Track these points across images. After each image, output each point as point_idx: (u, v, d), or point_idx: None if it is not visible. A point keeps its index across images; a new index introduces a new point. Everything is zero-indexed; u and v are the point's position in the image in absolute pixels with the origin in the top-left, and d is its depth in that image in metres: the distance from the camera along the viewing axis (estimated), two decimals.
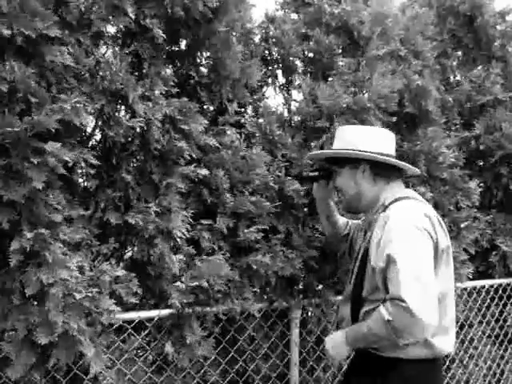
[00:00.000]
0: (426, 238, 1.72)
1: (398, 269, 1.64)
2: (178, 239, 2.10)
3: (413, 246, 1.69)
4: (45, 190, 1.75)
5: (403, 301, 1.59)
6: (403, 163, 1.97)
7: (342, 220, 2.34)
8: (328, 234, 2.39)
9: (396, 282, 1.63)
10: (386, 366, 1.79)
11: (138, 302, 2.02)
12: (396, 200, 1.87)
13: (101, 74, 1.89)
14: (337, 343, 1.88)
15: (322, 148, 2.47)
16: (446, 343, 1.82)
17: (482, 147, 3.56)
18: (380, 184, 1.96)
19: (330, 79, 2.66)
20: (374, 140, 1.97)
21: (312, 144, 2.52)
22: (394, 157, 2.00)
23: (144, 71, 2.06)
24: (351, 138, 1.98)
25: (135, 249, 2.09)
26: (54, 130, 1.72)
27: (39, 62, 1.75)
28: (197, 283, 2.09)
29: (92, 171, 1.92)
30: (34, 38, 1.69)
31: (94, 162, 1.89)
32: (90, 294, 1.81)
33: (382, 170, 1.95)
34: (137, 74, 2.05)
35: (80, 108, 1.78)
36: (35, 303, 1.81)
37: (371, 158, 1.92)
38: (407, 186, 2.68)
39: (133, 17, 1.93)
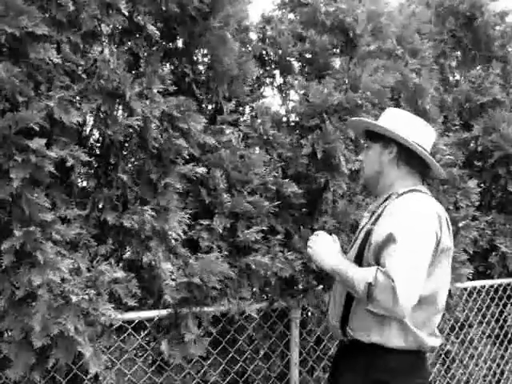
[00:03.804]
0: (431, 233, 1.74)
1: (397, 250, 1.66)
2: (173, 241, 2.10)
3: (416, 234, 1.70)
4: (32, 189, 1.76)
5: (393, 280, 1.61)
6: (430, 158, 1.93)
7: None
8: None
9: (393, 261, 1.65)
10: (370, 356, 1.81)
11: (137, 304, 2.02)
12: (410, 191, 1.87)
13: (98, 72, 1.89)
14: (328, 255, 1.90)
15: (313, 146, 2.48)
16: (432, 339, 1.84)
17: (480, 148, 3.56)
18: (401, 171, 1.94)
19: (326, 78, 2.66)
20: (414, 128, 1.94)
21: (302, 142, 2.52)
22: (428, 152, 1.95)
23: (141, 69, 2.06)
24: (394, 120, 1.96)
25: (131, 249, 2.09)
26: (41, 128, 1.72)
27: (26, 60, 1.75)
28: (187, 279, 2.09)
29: (85, 169, 1.91)
30: (19, 36, 1.68)
31: (85, 158, 1.88)
32: (86, 297, 1.81)
33: (408, 157, 1.92)
34: (133, 72, 2.05)
35: (69, 106, 1.78)
36: (32, 304, 1.81)
37: (401, 140, 1.90)
38: None
39: (126, 14, 1.93)
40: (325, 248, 1.93)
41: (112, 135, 1.95)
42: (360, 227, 2.04)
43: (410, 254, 1.66)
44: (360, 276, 1.73)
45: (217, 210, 2.29)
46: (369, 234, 1.86)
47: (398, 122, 1.95)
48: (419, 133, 1.95)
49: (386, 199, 1.93)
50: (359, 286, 1.71)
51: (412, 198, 1.83)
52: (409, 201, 1.81)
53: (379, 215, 1.87)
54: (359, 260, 1.86)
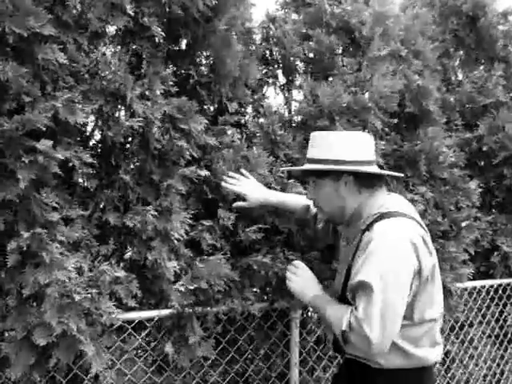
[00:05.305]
0: (405, 267, 1.66)
1: (369, 297, 1.62)
2: (176, 241, 2.09)
3: (388, 276, 1.63)
4: (38, 189, 1.76)
5: (364, 330, 1.59)
6: (386, 172, 1.87)
7: (297, 204, 2.26)
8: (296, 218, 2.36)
9: (364, 308, 1.62)
10: (373, 373, 1.78)
11: (137, 305, 2.02)
12: (381, 217, 1.74)
13: (99, 73, 1.88)
14: (306, 290, 1.89)
15: None
16: (433, 354, 1.81)
17: (484, 148, 3.55)
18: (364, 194, 1.85)
19: (330, 79, 2.66)
20: (354, 147, 1.83)
21: None
22: (375, 162, 1.89)
23: (143, 71, 2.05)
24: (329, 147, 1.84)
25: (133, 250, 2.08)
26: (46, 129, 1.71)
27: (32, 60, 1.74)
28: (196, 285, 2.09)
29: (88, 170, 1.91)
30: (26, 36, 1.68)
31: (89, 160, 1.87)
32: (88, 296, 1.81)
33: (365, 179, 1.83)
34: (136, 73, 2.04)
35: (75, 106, 1.77)
36: (34, 304, 1.81)
37: (355, 170, 1.80)
38: (406, 186, 2.66)
39: (132, 14, 1.92)
40: (304, 282, 1.91)
41: (113, 136, 1.94)
42: (341, 257, 1.99)
43: (381, 300, 1.61)
44: (336, 318, 1.71)
45: (220, 204, 2.29)
46: (349, 269, 1.80)
47: (335, 147, 1.82)
48: (360, 149, 1.84)
49: (359, 227, 1.82)
50: (335, 329, 1.71)
51: (383, 231, 1.70)
52: (380, 236, 1.69)
53: (356, 248, 1.78)
54: (344, 296, 1.80)
